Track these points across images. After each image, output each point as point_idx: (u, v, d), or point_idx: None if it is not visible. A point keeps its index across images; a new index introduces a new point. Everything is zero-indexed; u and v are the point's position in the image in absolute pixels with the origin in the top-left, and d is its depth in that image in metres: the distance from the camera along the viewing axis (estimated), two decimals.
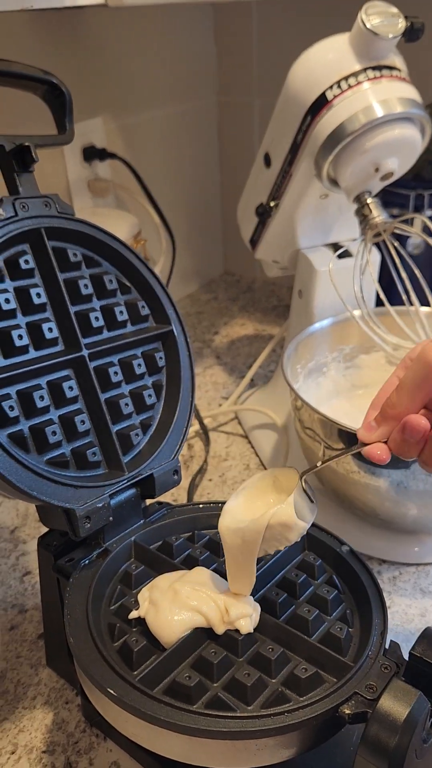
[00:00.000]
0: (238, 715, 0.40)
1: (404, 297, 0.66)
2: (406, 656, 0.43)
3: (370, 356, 0.81)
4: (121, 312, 0.56)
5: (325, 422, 0.61)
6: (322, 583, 0.52)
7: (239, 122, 1.24)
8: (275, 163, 0.75)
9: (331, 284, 0.77)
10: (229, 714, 0.40)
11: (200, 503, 0.59)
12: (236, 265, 1.40)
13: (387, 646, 0.45)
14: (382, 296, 0.67)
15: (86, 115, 0.97)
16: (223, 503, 0.58)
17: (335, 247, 0.79)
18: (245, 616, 0.45)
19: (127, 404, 0.54)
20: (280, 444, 0.83)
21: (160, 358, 0.58)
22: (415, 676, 0.41)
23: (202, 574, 0.48)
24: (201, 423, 0.90)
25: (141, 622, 0.47)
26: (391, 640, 0.46)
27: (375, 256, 0.77)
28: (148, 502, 0.58)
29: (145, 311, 0.58)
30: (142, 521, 0.56)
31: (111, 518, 0.51)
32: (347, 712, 0.40)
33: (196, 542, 0.55)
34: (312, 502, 0.47)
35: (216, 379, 1.05)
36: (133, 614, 0.47)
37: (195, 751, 0.40)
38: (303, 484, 0.46)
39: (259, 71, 1.17)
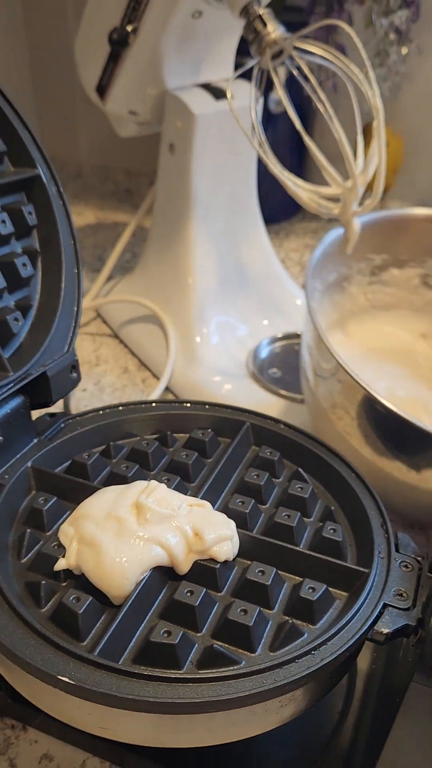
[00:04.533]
0: (253, 669, 0.29)
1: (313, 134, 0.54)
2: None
3: (402, 272, 0.64)
4: None
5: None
6: (287, 479, 0.41)
7: None
8: None
9: (211, 133, 0.63)
10: (240, 670, 0.29)
11: (105, 408, 0.44)
12: (58, 150, 1.19)
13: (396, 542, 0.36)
14: (302, 132, 0.54)
15: None
16: (135, 403, 0.45)
17: (208, 87, 0.65)
18: (225, 539, 0.34)
19: None
20: (160, 338, 0.70)
21: (30, 213, 0.41)
22: None
23: (149, 489, 0.35)
24: None
25: (70, 573, 0.33)
26: (396, 532, 0.37)
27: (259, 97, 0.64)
28: (34, 415, 0.43)
29: None
30: (35, 440, 0.41)
31: (1, 438, 0.36)
32: (385, 631, 0.31)
33: (115, 456, 0.42)
34: None
35: None
36: (61, 564, 0.33)
37: (199, 730, 0.29)
38: None
39: None
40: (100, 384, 0.69)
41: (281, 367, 0.68)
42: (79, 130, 1.17)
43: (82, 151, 1.18)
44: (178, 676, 0.28)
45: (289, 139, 0.94)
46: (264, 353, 0.69)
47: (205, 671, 0.29)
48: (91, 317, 0.79)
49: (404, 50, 0.79)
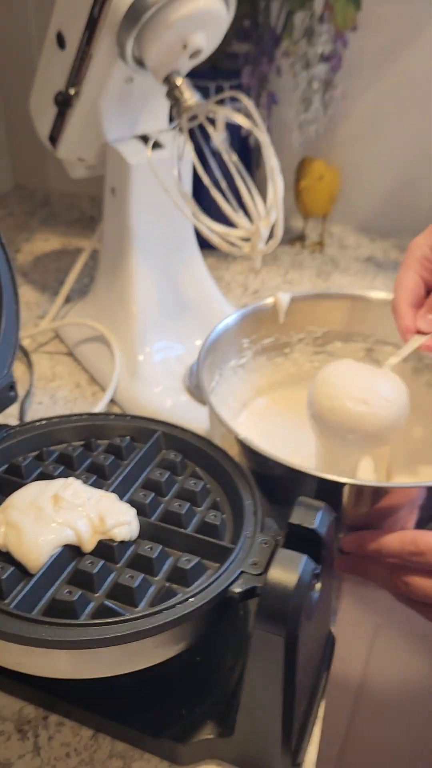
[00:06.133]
0: (129, 617, 0.38)
1: (228, 183, 0.64)
2: None
3: (347, 346, 0.70)
4: None
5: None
6: (186, 477, 0.50)
7: (10, 5, 1.10)
8: (70, 43, 0.68)
9: (146, 179, 0.72)
10: (120, 619, 0.38)
11: (42, 420, 0.54)
12: (28, 178, 1.29)
13: (262, 525, 0.45)
14: (209, 185, 0.63)
15: None
16: (69, 416, 0.54)
17: (145, 138, 0.74)
18: (123, 523, 0.43)
19: None
20: (108, 356, 0.79)
21: None
22: (297, 543, 0.42)
23: (66, 484, 0.44)
24: (20, 345, 0.83)
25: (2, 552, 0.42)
26: (265, 518, 0.46)
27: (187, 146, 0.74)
28: None
29: None
30: None
31: None
32: (237, 590, 0.40)
33: (46, 459, 0.51)
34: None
35: (27, 298, 0.97)
36: None
37: (90, 663, 0.38)
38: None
39: None
40: (55, 397, 0.79)
41: None
42: (47, 160, 1.26)
43: (51, 180, 1.27)
44: (73, 622, 0.37)
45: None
46: None
47: (95, 620, 0.38)
48: (50, 337, 0.88)
49: (328, 96, 0.89)
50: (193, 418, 0.70)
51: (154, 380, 0.77)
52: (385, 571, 0.51)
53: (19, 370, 0.82)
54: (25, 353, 0.83)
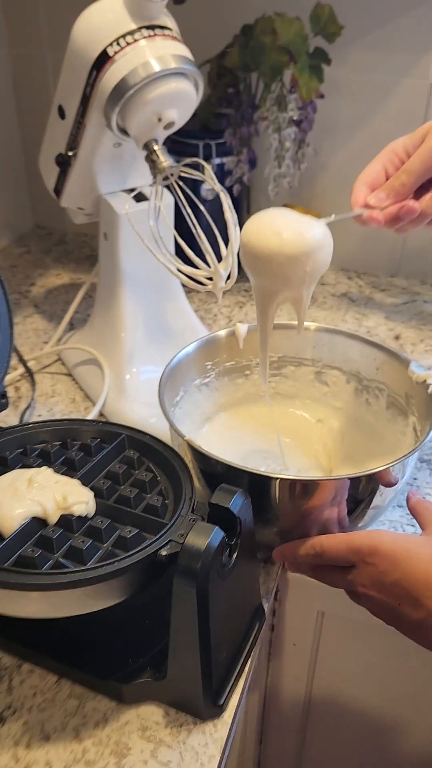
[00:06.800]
0: (76, 570, 0.49)
1: (194, 232, 0.76)
2: None
3: (299, 369, 0.81)
4: None
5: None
6: (141, 470, 0.62)
7: (34, 74, 1.26)
8: (69, 114, 0.81)
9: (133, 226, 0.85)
10: (69, 570, 0.49)
11: (29, 423, 0.66)
12: (47, 219, 1.44)
13: (194, 507, 0.56)
14: (174, 233, 0.76)
15: None
16: (51, 421, 0.66)
17: (133, 191, 0.87)
18: (81, 502, 0.54)
19: None
20: (100, 377, 0.92)
21: None
22: (215, 519, 0.52)
23: (38, 471, 0.56)
24: (25, 366, 0.96)
25: None
26: (197, 502, 0.57)
27: (168, 199, 0.86)
28: None
29: None
30: None
31: None
32: (163, 553, 0.51)
33: (29, 455, 0.63)
34: None
35: (36, 326, 1.10)
36: None
37: (46, 603, 0.49)
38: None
39: (47, 24, 1.20)
40: (53, 411, 0.91)
41: None
42: None
43: (66, 221, 1.41)
44: (34, 572, 0.49)
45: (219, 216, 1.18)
46: None
47: (51, 571, 0.49)
48: (53, 359, 1.01)
49: (300, 154, 1.01)
50: (165, 428, 0.81)
51: (138, 397, 0.88)
52: (313, 571, 0.61)
53: (23, 387, 0.95)
54: (30, 373, 0.96)
